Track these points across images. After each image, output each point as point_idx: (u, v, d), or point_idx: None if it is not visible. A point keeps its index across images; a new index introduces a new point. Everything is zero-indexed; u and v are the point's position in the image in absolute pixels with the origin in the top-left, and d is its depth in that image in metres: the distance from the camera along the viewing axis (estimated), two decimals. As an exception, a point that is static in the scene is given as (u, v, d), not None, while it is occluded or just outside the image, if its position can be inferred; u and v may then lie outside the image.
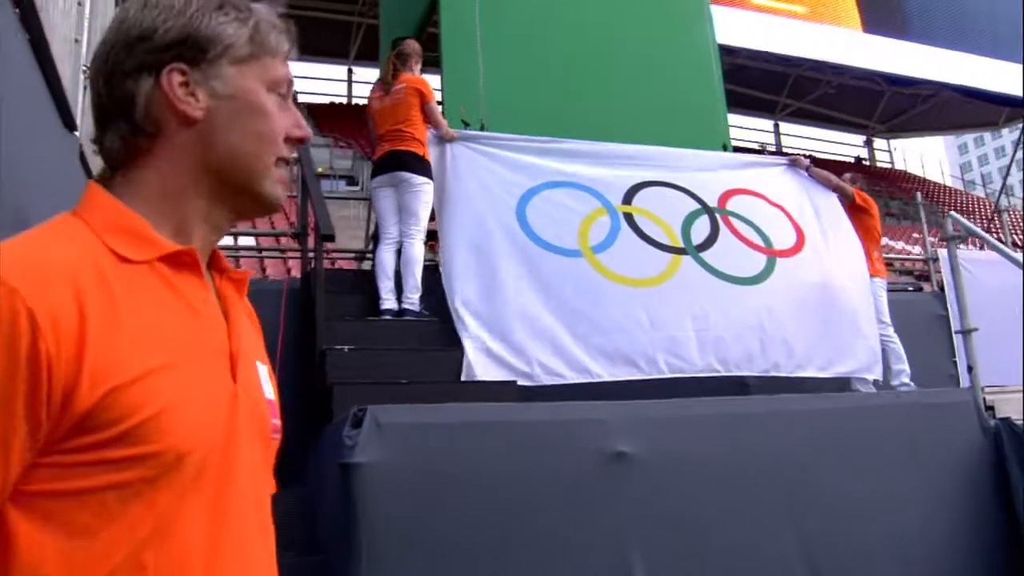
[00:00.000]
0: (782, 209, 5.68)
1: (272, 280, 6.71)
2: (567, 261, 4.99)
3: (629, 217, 5.25)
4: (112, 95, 0.99)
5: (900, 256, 15.06)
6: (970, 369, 4.74)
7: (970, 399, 4.54)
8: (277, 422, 1.09)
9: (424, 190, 5.14)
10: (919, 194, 7.57)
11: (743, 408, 4.17)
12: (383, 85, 5.41)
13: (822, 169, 6.23)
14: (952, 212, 5.09)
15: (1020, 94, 20.08)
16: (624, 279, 4.97)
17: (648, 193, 5.40)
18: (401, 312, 5.08)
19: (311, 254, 5.55)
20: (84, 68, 3.33)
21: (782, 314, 5.12)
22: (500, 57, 6.21)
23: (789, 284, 5.27)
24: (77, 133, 3.26)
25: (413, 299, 5.09)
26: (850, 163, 39.81)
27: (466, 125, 5.66)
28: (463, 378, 4.64)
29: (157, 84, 0.98)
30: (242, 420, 0.98)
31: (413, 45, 5.78)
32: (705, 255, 5.22)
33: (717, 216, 5.44)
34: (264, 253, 8.56)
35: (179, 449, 0.87)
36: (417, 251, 5.13)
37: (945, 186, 39.85)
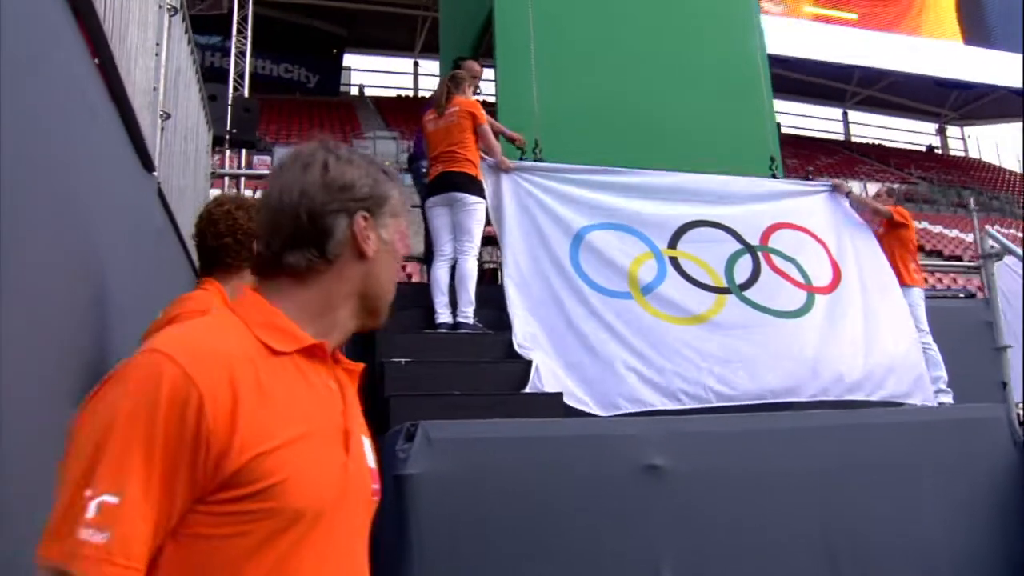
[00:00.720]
0: (823, 244, 5.82)
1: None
2: (618, 302, 5.25)
3: (675, 261, 5.49)
4: (314, 227, 1.27)
5: (952, 266, 14.74)
6: (1004, 385, 4.82)
7: (1002, 415, 4.64)
8: (376, 487, 1.35)
9: (477, 209, 5.39)
10: (972, 199, 7.53)
11: (772, 424, 4.34)
12: (436, 108, 5.65)
13: (861, 195, 6.35)
14: (989, 227, 5.13)
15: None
16: (672, 318, 5.21)
17: (692, 235, 5.62)
18: (456, 326, 5.34)
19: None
20: (161, 113, 3.67)
21: (825, 345, 5.27)
22: (553, 74, 6.42)
23: (829, 317, 5.44)
24: (155, 173, 3.60)
25: (467, 313, 5.34)
26: (921, 152, 38.92)
27: (521, 155, 5.88)
28: (528, 390, 4.88)
29: (349, 225, 1.29)
30: (351, 485, 1.24)
31: (471, 67, 6.04)
32: (748, 293, 5.43)
33: (759, 254, 5.62)
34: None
35: (298, 507, 1.13)
36: (470, 267, 5.37)
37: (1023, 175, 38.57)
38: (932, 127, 39.70)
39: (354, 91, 42.22)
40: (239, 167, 12.56)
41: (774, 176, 6.54)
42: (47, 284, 1.92)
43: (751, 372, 5.02)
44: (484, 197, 5.44)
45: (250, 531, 1.10)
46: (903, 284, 5.88)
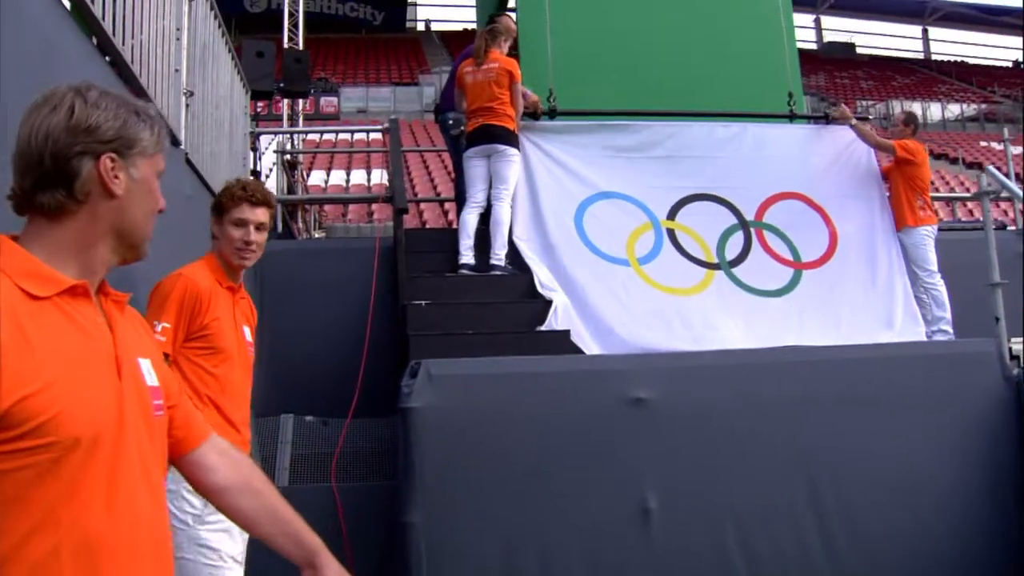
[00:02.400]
0: (821, 212, 5.99)
1: (366, 238, 7.47)
2: (617, 267, 5.63)
3: (671, 233, 5.81)
4: (57, 168, 1.32)
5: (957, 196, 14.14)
6: (997, 320, 4.96)
7: (993, 350, 4.77)
8: (159, 402, 1.45)
9: (515, 160, 5.74)
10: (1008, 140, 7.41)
11: (757, 358, 4.61)
12: (475, 60, 5.95)
13: (867, 124, 6.38)
14: (989, 166, 5.20)
15: None
16: (664, 287, 5.57)
17: (691, 209, 5.90)
18: (490, 267, 5.71)
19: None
20: (185, 91, 4.09)
21: (807, 320, 5.52)
22: (567, 20, 6.64)
23: (815, 292, 5.70)
24: (182, 146, 4.04)
25: (500, 255, 5.69)
26: (1007, 68, 37.18)
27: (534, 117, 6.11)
28: (544, 328, 5.25)
29: (95, 166, 1.33)
30: (128, 406, 1.34)
31: (505, 23, 6.32)
32: (736, 270, 5.72)
33: (752, 230, 5.88)
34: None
35: (74, 435, 1.22)
36: (504, 213, 5.73)
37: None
38: (1019, 41, 37.77)
39: (420, 27, 42.31)
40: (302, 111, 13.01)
41: (792, 112, 6.63)
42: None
43: (734, 341, 5.28)
44: (519, 149, 5.78)
45: (32, 463, 1.20)
46: (907, 225, 5.91)
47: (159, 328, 2.50)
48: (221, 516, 2.29)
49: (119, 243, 1.40)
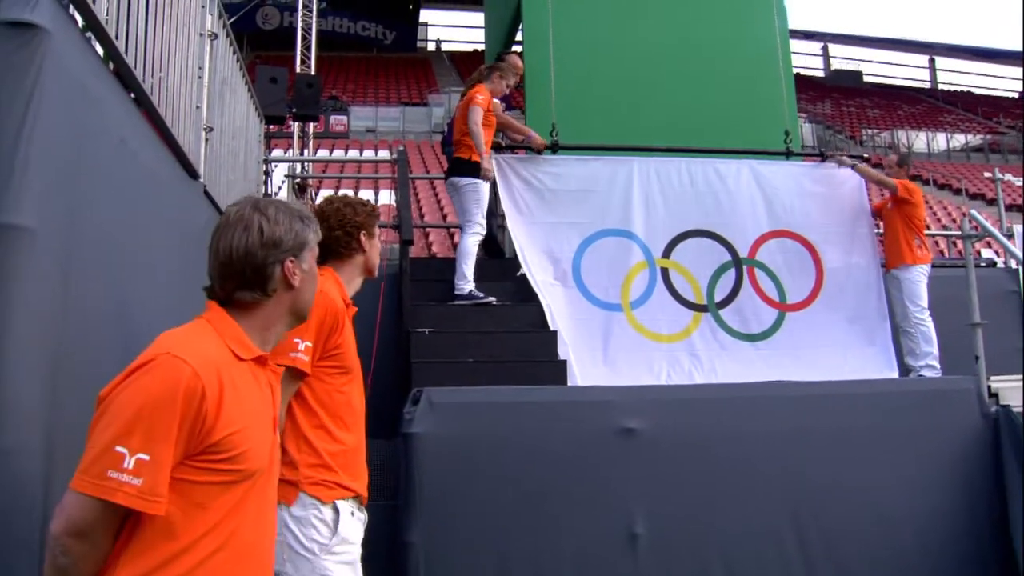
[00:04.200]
0: (811, 250, 6.21)
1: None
2: (609, 315, 5.87)
3: (665, 272, 6.02)
4: (257, 275, 1.80)
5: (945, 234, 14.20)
6: (976, 359, 5.14)
7: (972, 387, 4.97)
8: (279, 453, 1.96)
9: (468, 189, 5.81)
10: (996, 168, 7.61)
11: (743, 392, 4.82)
12: (461, 97, 6.19)
13: (869, 166, 6.56)
14: (972, 211, 5.38)
15: None
16: (652, 334, 5.84)
17: (686, 246, 6.10)
18: (455, 297, 5.80)
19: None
20: (205, 127, 4.32)
21: (788, 359, 5.78)
22: (571, 57, 6.86)
23: (794, 336, 5.97)
24: (201, 179, 4.26)
25: (460, 286, 5.79)
26: (1013, 99, 37.41)
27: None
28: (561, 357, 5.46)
29: (282, 268, 1.82)
30: (274, 453, 1.85)
31: (512, 61, 6.56)
32: (723, 312, 5.98)
33: (744, 268, 6.10)
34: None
35: (251, 469, 1.70)
36: (466, 244, 5.81)
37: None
38: (1021, 71, 38.05)
39: (431, 47, 42.72)
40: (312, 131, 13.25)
41: (788, 150, 6.83)
42: (116, 280, 2.63)
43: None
44: (476, 177, 5.78)
45: (220, 480, 1.65)
46: (904, 263, 6.07)
47: (302, 347, 2.50)
48: (348, 548, 2.53)
49: (293, 318, 1.90)
